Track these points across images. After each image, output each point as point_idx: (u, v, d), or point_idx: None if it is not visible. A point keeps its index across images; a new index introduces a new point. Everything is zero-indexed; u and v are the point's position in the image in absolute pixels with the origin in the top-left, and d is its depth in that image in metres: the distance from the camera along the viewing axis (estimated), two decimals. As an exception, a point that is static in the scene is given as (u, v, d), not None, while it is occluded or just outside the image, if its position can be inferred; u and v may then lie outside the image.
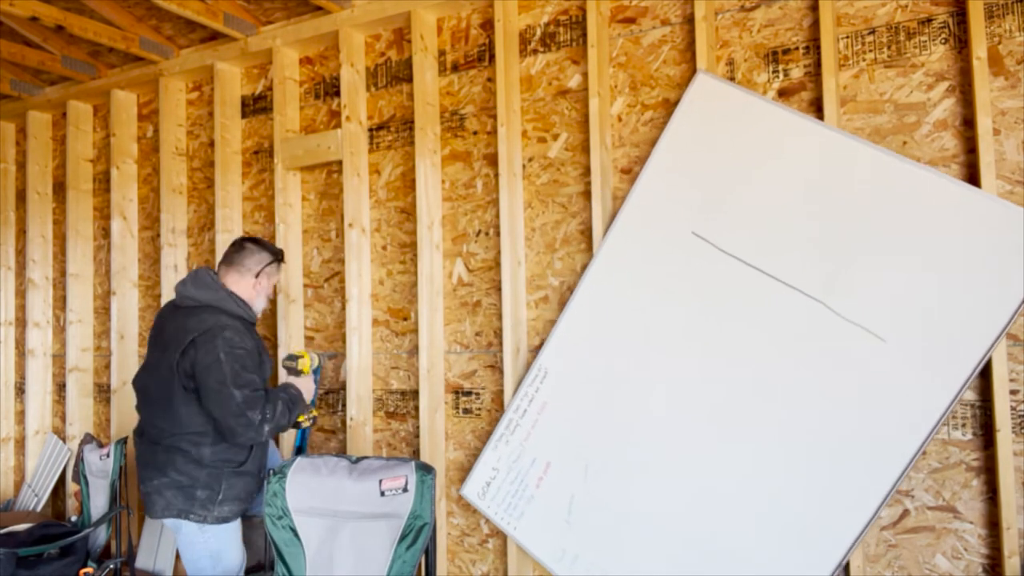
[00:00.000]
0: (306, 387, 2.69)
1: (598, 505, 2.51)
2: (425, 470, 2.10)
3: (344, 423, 3.29)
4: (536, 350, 2.84)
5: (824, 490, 2.20)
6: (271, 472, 2.16)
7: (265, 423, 2.35)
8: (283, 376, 2.87)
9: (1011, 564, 2.11)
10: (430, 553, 2.08)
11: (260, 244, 2.67)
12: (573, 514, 2.54)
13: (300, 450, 2.90)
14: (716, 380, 2.39)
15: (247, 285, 2.59)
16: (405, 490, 2.08)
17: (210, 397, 2.33)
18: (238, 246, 2.65)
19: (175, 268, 3.84)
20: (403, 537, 2.05)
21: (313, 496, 2.14)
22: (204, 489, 2.38)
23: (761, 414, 2.31)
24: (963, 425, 2.25)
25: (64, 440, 4.21)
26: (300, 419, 2.72)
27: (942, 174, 2.19)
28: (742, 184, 2.43)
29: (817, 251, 2.29)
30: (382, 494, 2.09)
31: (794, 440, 2.26)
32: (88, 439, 3.34)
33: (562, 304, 2.82)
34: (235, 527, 2.51)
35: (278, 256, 2.70)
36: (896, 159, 2.23)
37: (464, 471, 3.03)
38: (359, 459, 2.19)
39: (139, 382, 2.58)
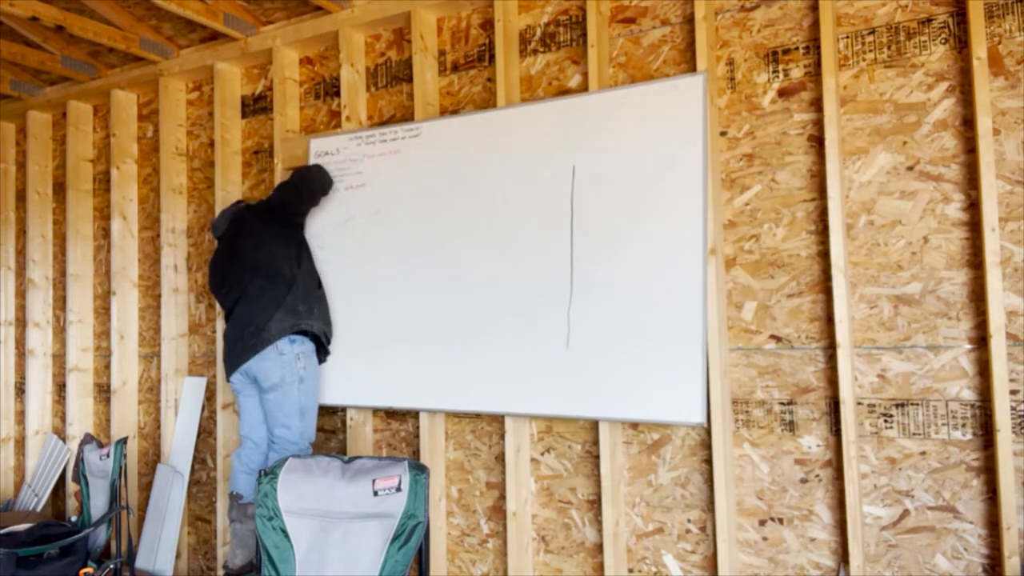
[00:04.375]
0: None
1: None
2: (419, 469, 2.09)
3: (344, 423, 3.29)
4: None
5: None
6: (262, 472, 2.15)
7: None
8: None
9: (1011, 564, 2.11)
10: (424, 553, 2.08)
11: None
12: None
13: None
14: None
15: None
16: (399, 489, 2.07)
17: None
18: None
19: (175, 268, 3.84)
20: (396, 537, 2.04)
21: (305, 497, 2.12)
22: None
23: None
24: (963, 425, 2.25)
25: (64, 440, 4.21)
26: None
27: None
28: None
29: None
30: (375, 494, 2.08)
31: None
32: (88, 439, 3.34)
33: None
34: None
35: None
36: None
37: (465, 471, 3.03)
38: (352, 459, 2.18)
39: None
